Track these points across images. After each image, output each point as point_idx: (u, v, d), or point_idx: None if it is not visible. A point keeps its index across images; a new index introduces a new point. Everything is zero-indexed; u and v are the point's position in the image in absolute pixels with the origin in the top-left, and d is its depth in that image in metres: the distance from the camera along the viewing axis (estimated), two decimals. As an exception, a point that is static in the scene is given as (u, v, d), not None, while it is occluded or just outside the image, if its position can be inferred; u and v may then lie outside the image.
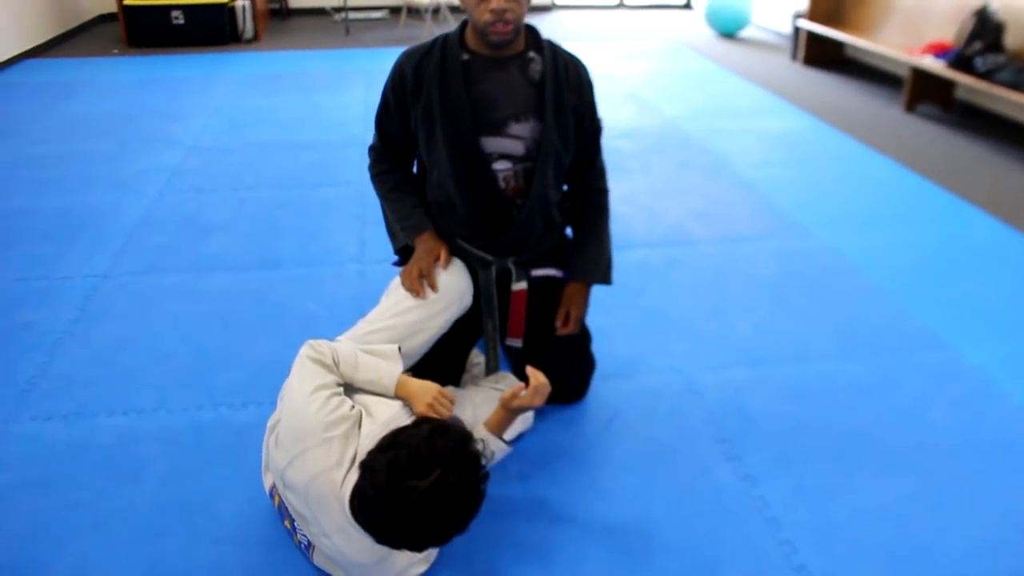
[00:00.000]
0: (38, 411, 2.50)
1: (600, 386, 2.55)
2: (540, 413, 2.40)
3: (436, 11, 8.24)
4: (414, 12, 8.68)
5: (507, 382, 2.35)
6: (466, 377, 2.41)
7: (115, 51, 7.71)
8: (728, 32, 8.06)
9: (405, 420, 1.86)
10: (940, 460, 2.26)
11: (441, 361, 2.26)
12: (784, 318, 2.97)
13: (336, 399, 1.82)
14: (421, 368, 2.24)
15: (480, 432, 1.95)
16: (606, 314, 2.95)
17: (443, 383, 2.25)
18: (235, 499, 2.12)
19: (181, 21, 7.91)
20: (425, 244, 2.20)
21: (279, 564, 1.93)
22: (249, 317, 3.00)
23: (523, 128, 2.12)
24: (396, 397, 1.95)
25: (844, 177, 4.32)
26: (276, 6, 9.30)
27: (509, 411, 1.94)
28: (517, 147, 2.14)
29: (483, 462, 1.65)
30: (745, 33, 8.25)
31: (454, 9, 9.02)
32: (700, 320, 2.96)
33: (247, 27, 8.15)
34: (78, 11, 8.62)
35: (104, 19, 8.85)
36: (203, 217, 3.88)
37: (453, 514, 1.57)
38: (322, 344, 1.96)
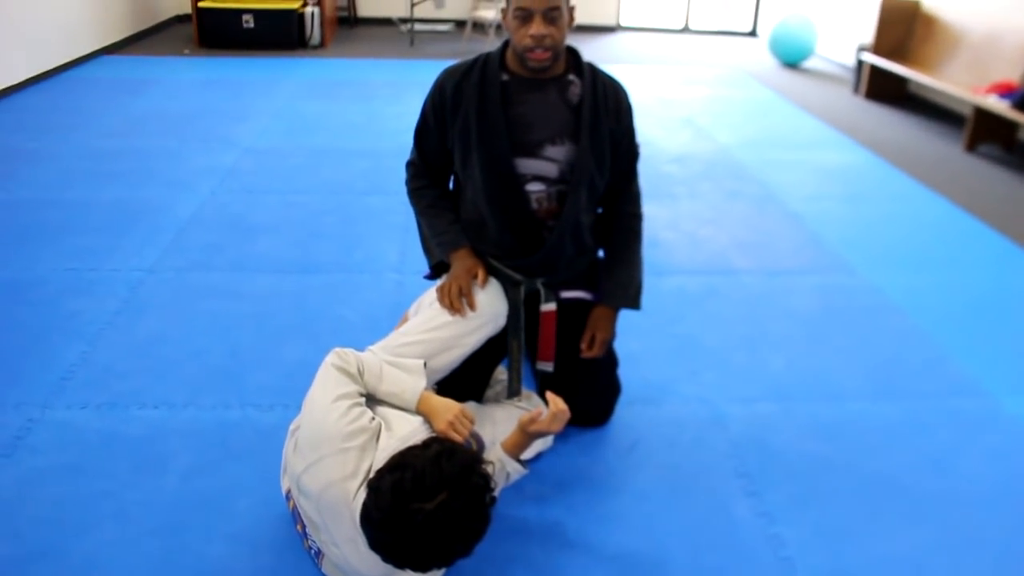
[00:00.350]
0: (75, 399, 2.57)
1: (625, 411, 2.53)
2: (561, 435, 2.39)
3: (500, 27, 8.29)
4: (479, 27, 8.76)
5: (531, 401, 2.35)
6: (489, 393, 2.42)
7: (187, 51, 7.93)
8: (791, 62, 7.98)
9: (424, 436, 1.87)
10: (967, 511, 2.20)
11: (465, 376, 2.27)
12: (819, 355, 2.92)
13: (357, 409, 1.84)
14: (445, 382, 2.26)
15: (497, 452, 1.96)
16: (638, 339, 2.94)
17: (465, 398, 2.28)
18: (252, 499, 2.16)
19: (251, 25, 8.10)
20: (463, 262, 2.21)
21: (287, 567, 1.95)
22: (285, 320, 3.05)
23: (558, 151, 2.13)
24: (417, 412, 1.96)
25: (896, 215, 4.24)
26: (344, 14, 9.47)
27: (527, 434, 1.94)
28: (551, 169, 2.15)
29: (492, 485, 1.65)
30: (809, 64, 8.17)
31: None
32: (732, 351, 2.92)
33: (314, 33, 8.32)
34: (156, 11, 8.89)
35: (180, 19, 9.12)
36: (251, 218, 3.95)
37: (457, 538, 1.58)
38: (348, 353, 1.98)
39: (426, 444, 1.66)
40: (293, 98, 6.21)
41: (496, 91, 2.10)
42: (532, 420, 1.91)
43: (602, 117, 2.14)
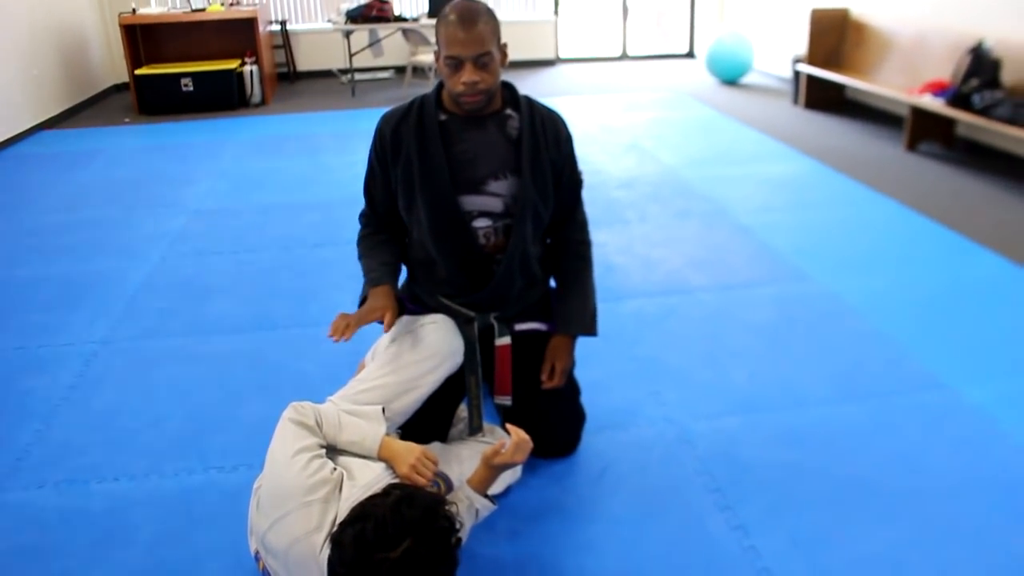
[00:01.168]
0: (31, 479, 2.50)
1: (592, 438, 2.52)
2: (531, 467, 2.38)
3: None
4: (419, 71, 8.82)
5: (494, 436, 2.33)
6: (453, 432, 2.40)
7: (127, 119, 7.88)
8: (730, 79, 8.14)
9: (388, 482, 1.84)
10: (939, 504, 2.21)
11: (428, 417, 2.25)
12: (780, 364, 2.94)
13: (317, 462, 1.81)
14: (409, 424, 2.24)
15: (464, 491, 1.93)
16: (599, 366, 2.94)
17: (430, 439, 2.26)
18: (222, 562, 2.10)
19: (191, 88, 8.07)
20: (374, 300, 2.15)
21: (261, 630, 1.91)
22: (244, 379, 3.01)
23: (501, 185, 2.14)
24: (379, 459, 1.93)
25: (845, 220, 4.31)
26: (284, 69, 9.48)
27: (492, 468, 1.92)
28: (496, 204, 2.15)
29: (458, 526, 1.63)
30: (747, 79, 8.33)
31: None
32: (695, 369, 2.93)
33: (255, 91, 8.31)
34: (93, 81, 8.83)
35: (118, 88, 9.07)
36: (203, 280, 3.91)
37: None
38: (305, 406, 1.96)
39: (386, 492, 1.63)
40: (238, 157, 6.19)
41: (435, 131, 2.11)
42: (496, 453, 1.89)
43: (542, 149, 2.15)
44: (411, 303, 2.35)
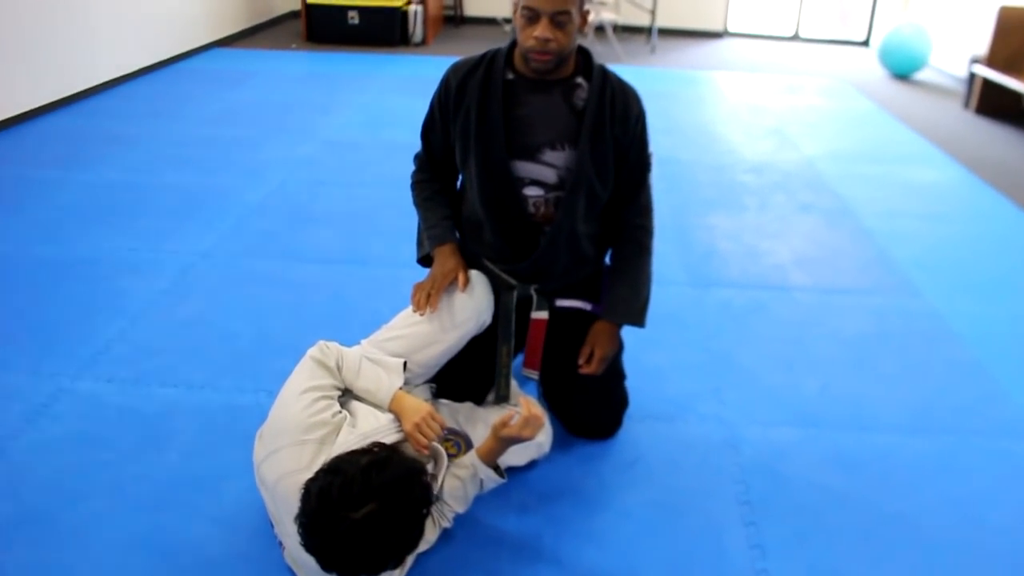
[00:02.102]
0: (104, 373, 2.66)
1: (634, 425, 2.44)
2: (562, 444, 2.34)
3: (600, 28, 8.21)
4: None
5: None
6: (490, 397, 2.37)
7: (294, 45, 8.18)
8: (902, 73, 7.58)
9: (391, 435, 1.84)
10: (987, 568, 2.01)
11: (466, 375, 2.24)
12: (858, 381, 2.74)
13: (322, 403, 1.83)
14: (448, 381, 2.23)
15: (470, 458, 1.91)
16: (666, 351, 2.84)
17: (465, 397, 2.24)
18: (240, 482, 2.17)
19: (356, 21, 8.29)
20: (445, 262, 2.15)
21: (256, 552, 1.96)
22: (319, 310, 3.08)
23: (557, 156, 2.07)
24: (389, 411, 1.93)
25: (979, 237, 3.96)
26: (451, 12, 9.56)
27: (499, 440, 1.88)
28: (550, 175, 2.08)
29: (434, 499, 1.61)
30: (921, 75, 7.74)
31: (626, 29, 8.99)
32: (766, 371, 2.78)
33: (416, 31, 8.44)
34: (271, 6, 9.22)
35: (293, 15, 9.40)
36: (311, 208, 4.03)
37: (384, 550, 1.54)
38: (330, 346, 1.98)
39: (365, 450, 1.63)
40: (381, 93, 6.31)
41: (499, 90, 2.05)
42: (504, 423, 1.85)
43: (607, 123, 2.05)
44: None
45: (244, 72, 6.87)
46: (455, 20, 9.59)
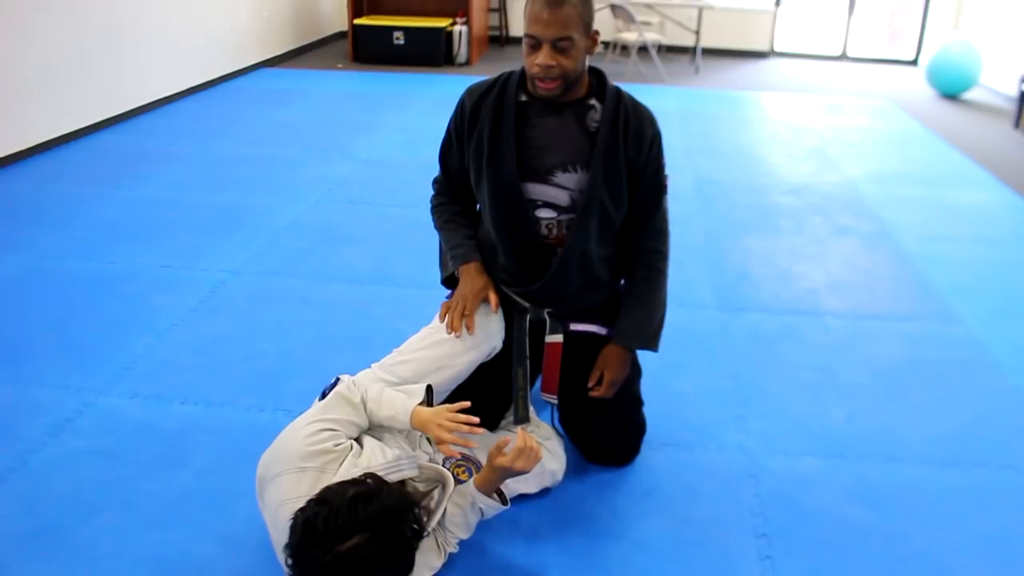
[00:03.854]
0: (128, 388, 2.69)
1: (652, 453, 2.40)
2: (577, 470, 2.30)
3: (644, 49, 8.18)
4: (623, 49, 8.68)
5: (541, 431, 2.27)
6: (504, 423, 2.34)
7: (340, 65, 8.29)
8: (950, 93, 7.42)
9: (396, 472, 1.80)
10: (1016, 606, 1.93)
11: (479, 402, 2.21)
12: (889, 410, 2.66)
13: (326, 433, 1.82)
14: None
15: (468, 486, 1.88)
16: (690, 377, 2.79)
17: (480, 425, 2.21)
18: (251, 502, 2.13)
19: (401, 41, 8.38)
20: (471, 281, 2.15)
21: (260, 573, 1.96)
22: (344, 328, 3.09)
23: (570, 179, 2.04)
24: (414, 428, 1.91)
25: (1025, 262, 3.84)
26: (496, 33, 9.61)
27: (494, 469, 1.84)
28: (562, 197, 2.06)
29: (424, 533, 1.59)
30: (970, 95, 7.56)
31: (671, 49, 8.94)
32: (792, 398, 2.71)
33: (461, 51, 8.50)
34: (319, 27, 9.36)
35: (341, 35, 9.53)
36: (343, 228, 4.05)
37: None
38: (357, 383, 1.97)
39: (354, 482, 1.61)
40: (423, 113, 6.35)
41: (511, 112, 2.04)
42: (499, 450, 1.82)
43: (620, 145, 2.02)
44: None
45: (290, 91, 6.97)
46: (500, 40, 9.64)
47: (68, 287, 3.36)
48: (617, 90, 2.07)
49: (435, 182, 2.32)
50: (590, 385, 2.17)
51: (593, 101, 2.05)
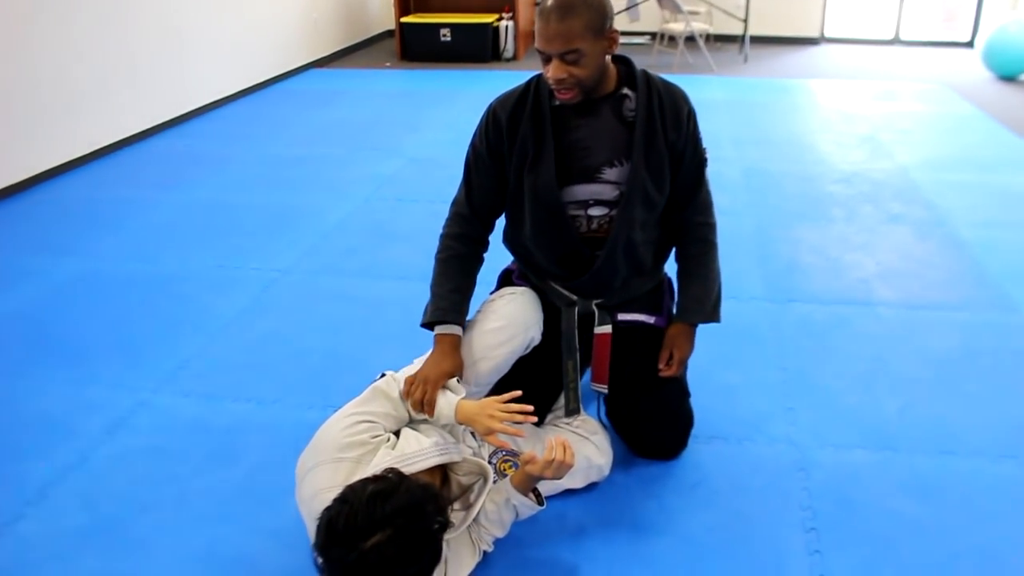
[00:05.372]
0: (181, 387, 2.76)
1: (699, 446, 2.38)
2: (624, 464, 2.30)
3: (691, 39, 8.09)
4: (671, 40, 8.60)
5: (588, 426, 2.27)
6: (550, 417, 2.35)
7: (388, 64, 8.36)
8: (1009, 74, 7.20)
9: (430, 458, 1.81)
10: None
11: (526, 396, 2.22)
12: (943, 401, 2.60)
13: (364, 425, 1.84)
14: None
15: (505, 485, 1.89)
16: (740, 370, 2.77)
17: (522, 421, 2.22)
18: None
19: (448, 38, 8.42)
20: (438, 362, 2.00)
21: (311, 569, 1.98)
22: (392, 326, 3.12)
23: (616, 172, 2.04)
24: (460, 423, 1.93)
25: (1088, 249, 3.72)
26: (541, 28, 9.57)
27: (526, 473, 1.85)
28: (610, 192, 2.06)
29: (447, 527, 1.61)
30: (1031, 76, 7.35)
31: (719, 38, 8.84)
32: (844, 390, 2.67)
33: (508, 46, 8.50)
34: (367, 26, 9.44)
35: (389, 34, 9.60)
36: (392, 225, 4.09)
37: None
38: (397, 378, 1.99)
39: (375, 478, 1.61)
40: (470, 109, 6.32)
41: (548, 118, 2.02)
42: (531, 459, 1.82)
43: (658, 131, 2.01)
44: (518, 279, 2.32)
45: (338, 91, 7.05)
46: (545, 34, 9.60)
47: (124, 289, 3.44)
48: (646, 75, 2.05)
49: (452, 205, 2.23)
50: (660, 366, 2.18)
51: (626, 90, 2.04)
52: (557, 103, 2.03)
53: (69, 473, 2.33)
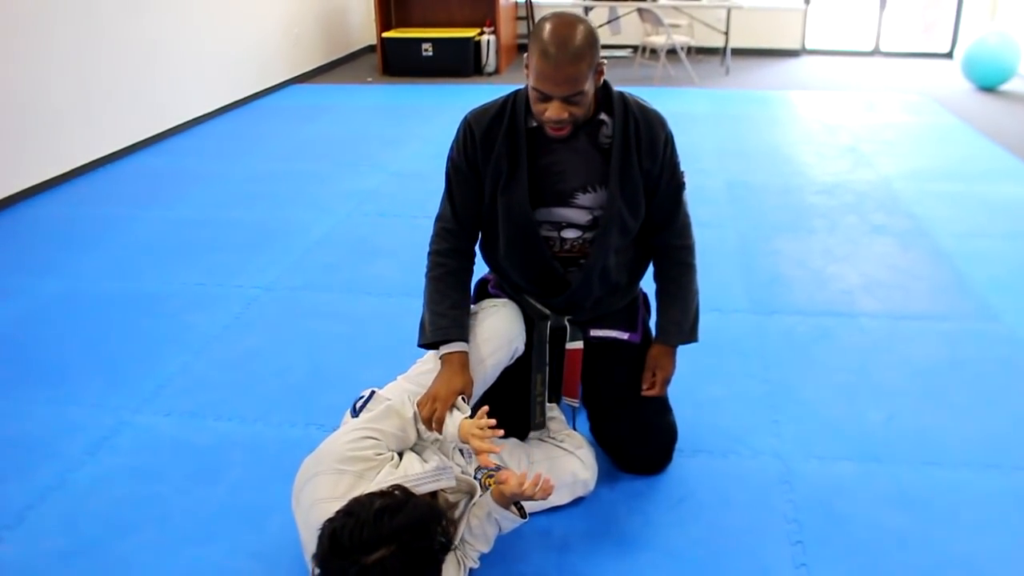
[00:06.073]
0: (163, 406, 2.73)
1: (684, 460, 2.37)
2: (609, 478, 2.29)
3: (673, 51, 8.13)
4: (652, 52, 8.64)
5: (573, 440, 2.26)
6: (533, 433, 2.33)
7: (370, 79, 8.36)
8: (988, 85, 7.27)
9: (430, 483, 1.79)
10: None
11: (508, 412, 2.21)
12: (927, 411, 2.61)
13: (370, 441, 1.83)
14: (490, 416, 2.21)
15: (486, 499, 1.88)
16: (723, 383, 2.76)
17: (507, 434, 2.21)
18: (284, 517, 2.14)
19: (430, 53, 8.42)
20: (449, 379, 1.98)
21: (294, 589, 1.97)
22: (375, 342, 3.11)
23: (590, 198, 2.04)
24: (462, 441, 1.91)
25: (1070, 259, 3.75)
26: (524, 41, 9.62)
27: (502, 492, 1.83)
28: (584, 216, 2.06)
29: (452, 546, 1.60)
30: (1008, 86, 7.42)
31: (700, 50, 8.89)
32: (827, 402, 2.67)
33: (490, 60, 8.52)
34: (348, 41, 9.44)
35: (370, 49, 9.61)
36: (374, 241, 4.08)
37: None
38: (384, 395, 1.98)
39: (382, 493, 1.61)
40: (452, 123, 6.21)
41: (523, 140, 2.01)
42: (505, 480, 1.81)
43: (634, 158, 2.00)
44: (494, 289, 2.31)
45: (319, 107, 7.04)
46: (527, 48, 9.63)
47: (104, 308, 3.41)
48: (623, 98, 2.03)
49: (437, 221, 2.19)
50: (644, 386, 2.19)
51: (603, 116, 2.01)
52: (534, 124, 2.01)
53: (49, 495, 2.30)
